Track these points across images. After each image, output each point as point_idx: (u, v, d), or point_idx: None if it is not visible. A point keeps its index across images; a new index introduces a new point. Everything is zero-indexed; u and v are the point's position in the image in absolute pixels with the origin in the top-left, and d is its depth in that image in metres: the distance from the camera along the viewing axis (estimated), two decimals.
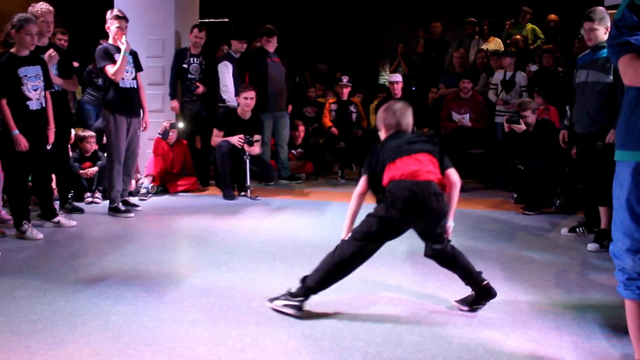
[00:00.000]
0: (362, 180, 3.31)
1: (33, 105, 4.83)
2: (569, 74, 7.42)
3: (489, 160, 7.59)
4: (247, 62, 7.61)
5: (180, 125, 7.17)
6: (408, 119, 3.41)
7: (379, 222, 3.12)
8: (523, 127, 6.24)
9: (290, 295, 3.23)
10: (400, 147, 3.23)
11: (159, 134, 6.91)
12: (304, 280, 3.23)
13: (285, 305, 3.22)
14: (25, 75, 4.78)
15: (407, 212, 3.09)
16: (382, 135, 3.45)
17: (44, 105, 4.94)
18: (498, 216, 6.00)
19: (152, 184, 6.72)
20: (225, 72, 7.25)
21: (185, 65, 7.29)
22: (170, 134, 6.93)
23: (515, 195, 6.63)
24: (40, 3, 5.43)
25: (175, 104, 7.35)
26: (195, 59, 7.31)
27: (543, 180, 6.06)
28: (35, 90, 4.83)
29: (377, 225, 3.12)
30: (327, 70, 11.73)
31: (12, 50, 4.77)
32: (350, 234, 3.20)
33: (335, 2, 12.56)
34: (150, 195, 6.61)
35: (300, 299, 3.20)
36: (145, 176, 6.80)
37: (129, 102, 5.76)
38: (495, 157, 7.26)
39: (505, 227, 5.52)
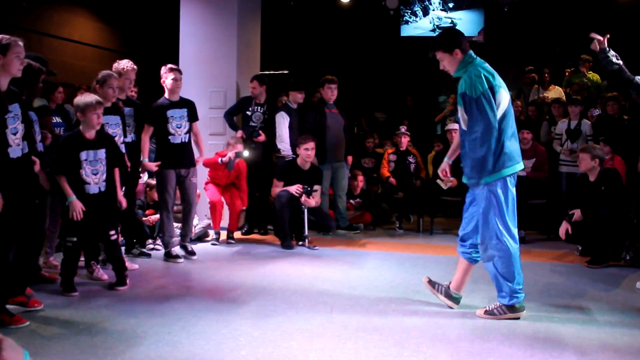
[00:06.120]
0: None
1: None
2: (635, 122, 7.22)
3: (552, 211, 7.38)
4: (305, 113, 7.71)
5: (246, 154, 7.20)
6: None
7: None
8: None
9: None
10: None
11: (224, 162, 6.77)
12: None
13: None
14: (107, 123, 5.30)
15: None
16: None
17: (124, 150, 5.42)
18: (562, 269, 5.80)
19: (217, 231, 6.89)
20: (282, 123, 7.34)
21: (249, 113, 7.43)
22: (236, 162, 6.91)
23: (580, 248, 6.40)
24: (125, 61, 5.73)
25: (241, 133, 7.34)
26: (259, 107, 7.46)
27: (610, 232, 5.84)
28: (114, 137, 5.29)
29: None
30: (385, 119, 11.77)
31: None
32: None
33: (393, 56, 12.70)
34: (217, 243, 6.82)
35: None
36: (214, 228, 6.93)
37: (177, 156, 5.97)
38: (559, 208, 7.05)
39: (570, 282, 5.32)
